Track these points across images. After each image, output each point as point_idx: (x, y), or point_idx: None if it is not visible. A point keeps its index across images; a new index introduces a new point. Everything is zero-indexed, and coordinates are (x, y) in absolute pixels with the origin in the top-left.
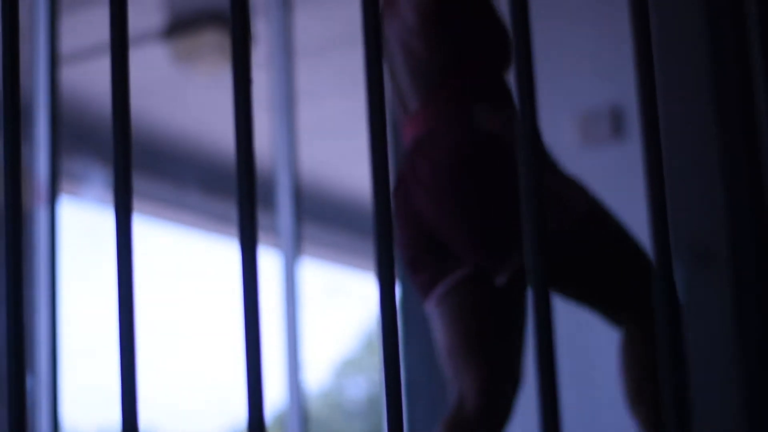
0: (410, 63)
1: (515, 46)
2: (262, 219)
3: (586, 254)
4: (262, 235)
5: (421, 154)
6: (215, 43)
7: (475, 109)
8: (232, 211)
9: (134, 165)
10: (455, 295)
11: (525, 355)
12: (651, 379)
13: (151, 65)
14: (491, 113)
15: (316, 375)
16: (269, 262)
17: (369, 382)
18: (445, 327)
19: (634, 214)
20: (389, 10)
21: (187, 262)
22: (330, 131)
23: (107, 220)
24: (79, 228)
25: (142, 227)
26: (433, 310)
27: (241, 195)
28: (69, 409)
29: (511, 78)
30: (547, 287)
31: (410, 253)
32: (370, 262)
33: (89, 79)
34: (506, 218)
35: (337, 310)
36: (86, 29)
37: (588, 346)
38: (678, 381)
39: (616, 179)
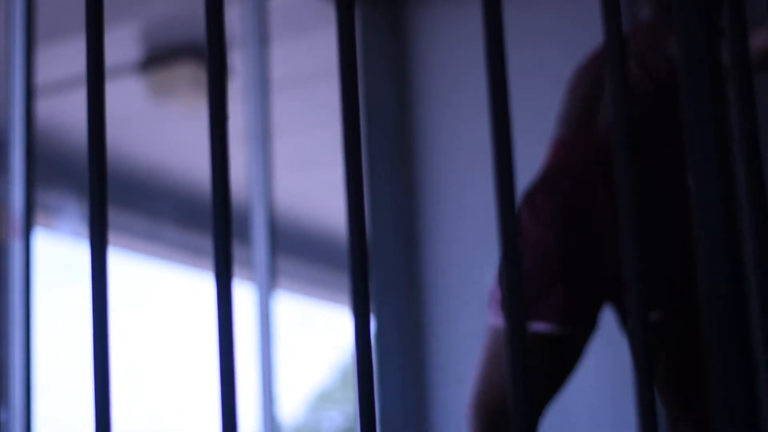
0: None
1: (489, 75)
2: (237, 252)
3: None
4: (237, 269)
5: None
6: (191, 76)
7: None
8: (207, 244)
9: (110, 198)
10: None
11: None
12: None
13: (127, 98)
14: None
15: (291, 408)
16: (244, 295)
17: (344, 415)
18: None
19: None
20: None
21: (162, 295)
22: (306, 164)
23: (82, 253)
24: (54, 261)
25: (117, 260)
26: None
27: (216, 228)
28: None
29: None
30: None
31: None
32: (345, 295)
33: (65, 112)
34: (682, 257)
35: (311, 343)
36: (62, 61)
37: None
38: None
39: None
